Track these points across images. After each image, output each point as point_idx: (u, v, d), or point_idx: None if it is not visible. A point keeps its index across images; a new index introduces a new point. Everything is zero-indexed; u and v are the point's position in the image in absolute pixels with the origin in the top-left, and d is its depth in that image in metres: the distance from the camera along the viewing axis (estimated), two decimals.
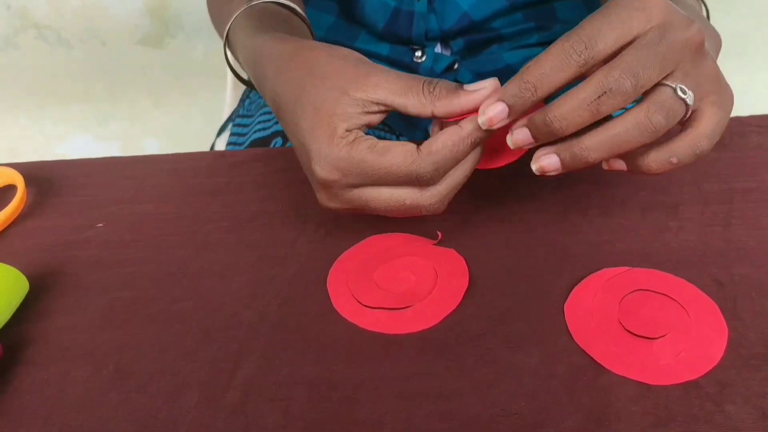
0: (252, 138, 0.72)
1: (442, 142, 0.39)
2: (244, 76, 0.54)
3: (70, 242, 0.50)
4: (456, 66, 0.71)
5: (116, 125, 1.51)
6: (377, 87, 0.40)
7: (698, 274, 0.42)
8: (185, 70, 1.38)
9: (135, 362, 0.41)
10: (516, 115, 0.38)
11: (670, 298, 0.41)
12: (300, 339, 0.41)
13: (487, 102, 0.38)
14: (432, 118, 0.41)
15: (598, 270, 0.43)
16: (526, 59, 0.74)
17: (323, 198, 0.42)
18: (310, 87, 0.41)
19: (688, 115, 0.37)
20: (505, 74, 0.71)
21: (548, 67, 0.36)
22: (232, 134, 0.78)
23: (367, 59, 0.43)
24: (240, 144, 0.74)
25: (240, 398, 0.38)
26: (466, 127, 0.39)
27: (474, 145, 0.40)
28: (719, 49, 0.46)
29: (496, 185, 0.49)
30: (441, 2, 0.68)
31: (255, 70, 0.48)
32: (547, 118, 0.36)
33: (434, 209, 0.41)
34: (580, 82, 0.36)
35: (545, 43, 0.72)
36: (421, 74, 0.70)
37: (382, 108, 0.40)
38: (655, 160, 0.38)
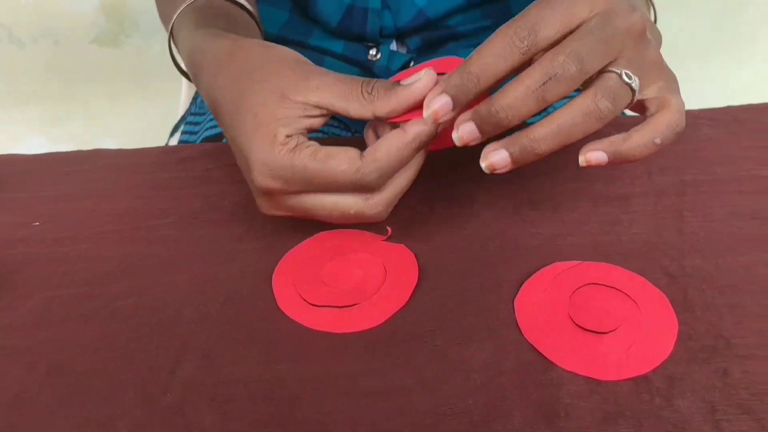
0: (203, 135, 0.71)
1: (386, 148, 0.38)
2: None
3: (6, 240, 0.48)
4: (412, 64, 0.70)
5: (72, 126, 1.48)
6: (317, 90, 0.39)
7: (649, 266, 0.42)
8: (142, 70, 1.35)
9: (70, 362, 0.39)
10: (461, 106, 0.37)
11: (621, 291, 0.40)
12: (243, 338, 0.39)
13: (430, 95, 0.37)
14: (376, 119, 0.40)
15: (550, 264, 0.42)
16: None
17: (264, 205, 0.41)
18: (248, 91, 0.39)
19: (632, 102, 0.37)
20: None
21: (490, 55, 0.35)
22: (183, 132, 0.76)
23: (305, 59, 0.41)
24: (191, 142, 0.73)
25: (179, 399, 0.36)
26: (410, 130, 0.38)
27: (418, 149, 0.39)
28: (660, 45, 0.46)
29: (448, 179, 0.48)
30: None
31: (192, 68, 0.46)
32: (492, 108, 0.35)
33: (379, 216, 0.40)
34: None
35: None
36: (376, 72, 0.70)
37: (324, 111, 0.39)
38: (638, 144, 0.37)
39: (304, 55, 0.72)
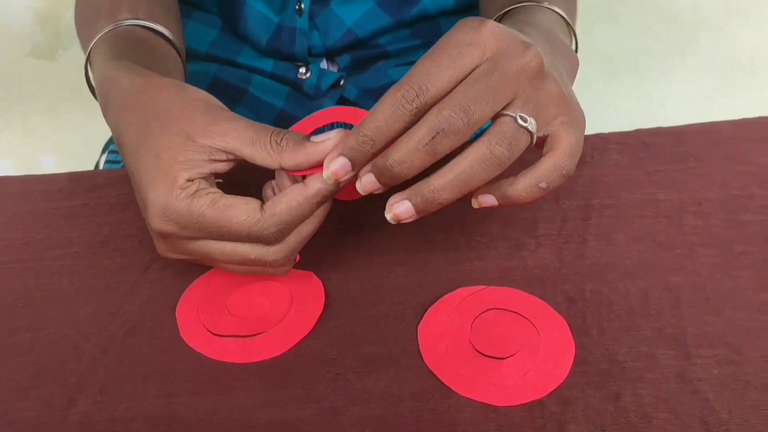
0: None
1: (287, 203, 0.37)
2: None
3: None
4: (342, 82, 0.70)
5: (9, 140, 1.44)
6: (225, 135, 0.38)
7: (552, 291, 0.43)
8: (80, 84, 1.32)
9: None
10: (359, 167, 0.37)
11: (522, 316, 0.41)
12: (143, 372, 0.39)
13: (329, 156, 0.37)
14: (280, 170, 0.39)
15: (456, 289, 0.43)
16: None
17: (162, 248, 0.40)
18: (155, 130, 0.39)
19: (533, 142, 0.37)
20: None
21: (382, 119, 0.35)
22: (110, 152, 0.75)
23: (218, 103, 0.41)
24: (118, 161, 0.72)
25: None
26: (312, 185, 0.38)
27: (320, 204, 0.39)
28: (575, 72, 0.47)
29: (359, 204, 0.49)
30: (324, 19, 0.67)
31: (101, 98, 0.46)
32: (388, 163, 0.35)
33: (279, 264, 0.39)
34: None
35: None
36: (306, 90, 0.70)
37: (231, 157, 0.39)
38: (524, 188, 0.37)
39: (234, 74, 0.72)
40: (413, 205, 0.36)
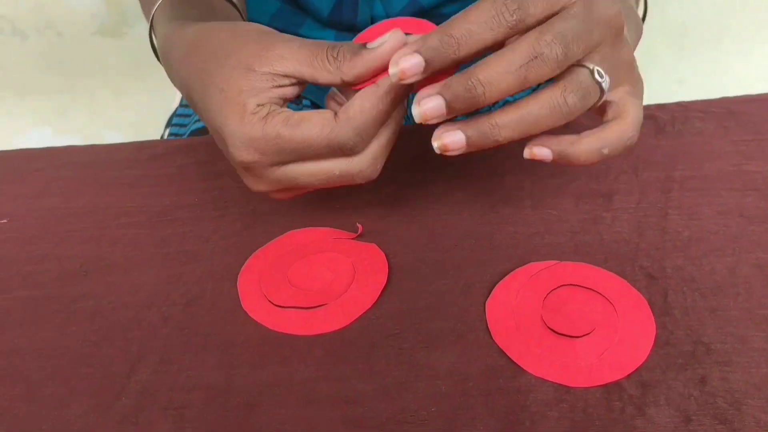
0: (192, 128, 0.70)
1: (360, 105, 0.35)
2: None
3: None
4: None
5: (76, 118, 1.47)
6: (282, 59, 0.37)
7: (630, 267, 0.40)
8: (145, 60, 1.34)
9: (25, 367, 0.38)
10: (431, 71, 0.33)
11: (598, 293, 0.39)
12: (203, 342, 0.38)
13: (401, 52, 0.34)
14: (344, 85, 0.37)
15: (525, 264, 0.41)
16: None
17: (250, 181, 0.39)
18: (214, 68, 0.38)
19: (600, 102, 0.35)
20: None
21: (476, 23, 0.32)
22: (173, 125, 0.75)
23: (271, 30, 0.40)
24: (181, 135, 0.72)
25: (132, 406, 0.35)
26: (383, 84, 0.35)
27: (395, 103, 0.36)
28: (638, 41, 0.44)
29: (422, 174, 0.47)
30: None
31: (164, 61, 0.45)
32: (470, 83, 0.32)
33: (367, 175, 0.38)
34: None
35: None
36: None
37: (294, 80, 0.37)
38: (586, 150, 0.35)
39: None
40: (467, 137, 0.34)
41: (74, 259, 0.44)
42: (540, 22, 0.33)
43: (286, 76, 0.37)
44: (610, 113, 0.36)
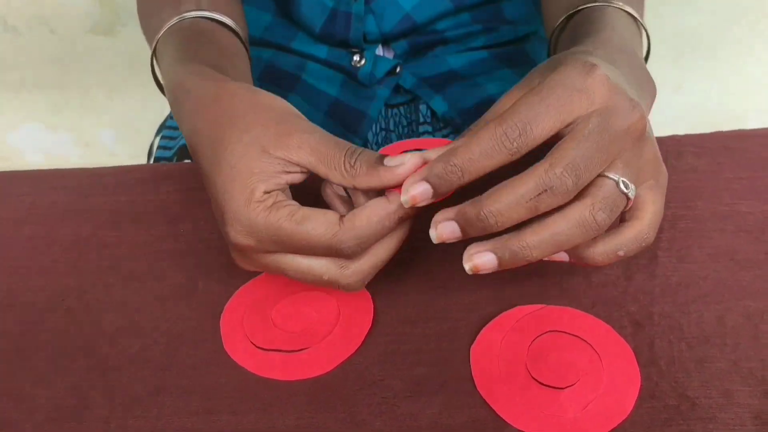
0: (180, 143, 0.69)
1: (367, 217, 0.35)
2: None
3: None
4: (398, 69, 0.67)
5: (70, 114, 1.46)
6: (299, 149, 0.36)
7: (617, 313, 0.40)
8: (138, 59, 1.33)
9: (3, 411, 0.37)
10: (440, 197, 0.35)
11: (584, 340, 0.38)
12: (183, 384, 0.38)
13: (410, 180, 0.35)
14: (354, 190, 0.38)
15: (512, 307, 0.40)
16: (471, 63, 0.71)
17: (238, 259, 0.39)
18: (228, 140, 0.37)
19: (627, 209, 0.35)
20: (448, 78, 0.68)
21: (477, 152, 0.33)
22: (163, 137, 0.75)
23: (291, 110, 0.39)
24: (170, 148, 0.71)
25: None
26: (394, 201, 0.36)
27: (401, 221, 0.37)
28: (653, 100, 0.43)
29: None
30: (381, 3, 0.64)
31: (173, 104, 0.44)
32: (482, 213, 0.33)
33: (353, 288, 0.38)
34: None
35: (490, 47, 0.69)
36: (360, 78, 0.67)
37: (304, 170, 0.37)
38: (602, 253, 0.35)
39: (287, 60, 0.70)
40: (498, 258, 0.34)
41: (56, 292, 0.43)
42: (549, 140, 0.33)
43: (298, 165, 0.37)
44: (629, 213, 0.36)
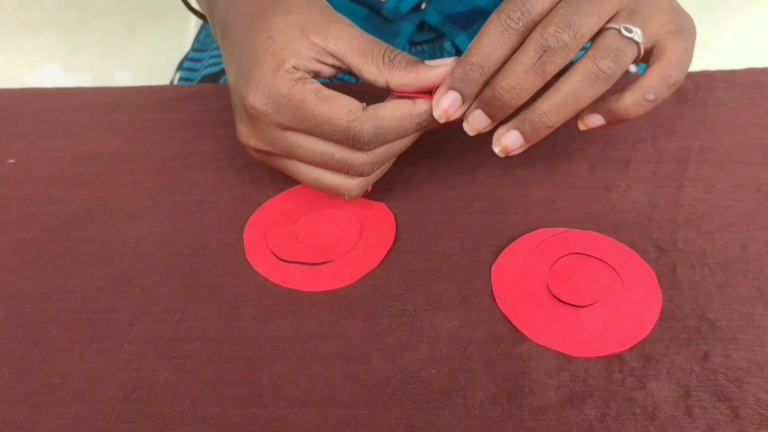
0: (203, 73, 0.69)
1: (392, 110, 0.36)
2: (197, 7, 0.50)
3: None
4: (423, 6, 0.66)
5: (87, 56, 1.46)
6: (338, 39, 0.36)
7: (640, 238, 0.39)
8: (158, 1, 1.32)
9: (29, 310, 0.38)
10: (470, 99, 0.36)
11: (606, 263, 0.38)
12: (207, 293, 0.38)
13: (438, 94, 0.36)
14: (383, 88, 0.37)
15: (534, 230, 0.40)
16: (498, 1, 0.70)
17: (245, 132, 0.38)
18: (269, 15, 0.37)
19: (641, 54, 0.35)
20: (474, 16, 0.67)
21: (488, 43, 0.34)
22: (184, 69, 0.74)
23: (332, 9, 0.39)
24: (192, 80, 0.71)
25: (135, 352, 0.35)
26: (420, 105, 0.36)
27: (420, 128, 0.37)
28: None
29: (436, 136, 0.46)
30: None
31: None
32: (496, 92, 0.34)
33: (362, 170, 0.37)
34: None
35: None
36: (385, 14, 0.66)
37: (337, 62, 0.37)
38: (631, 102, 0.36)
39: None
40: (521, 133, 0.36)
41: (80, 203, 0.44)
42: (550, 11, 0.34)
43: (333, 55, 0.37)
44: (652, 57, 0.36)
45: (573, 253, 0.39)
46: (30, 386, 0.34)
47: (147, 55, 1.42)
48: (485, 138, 0.46)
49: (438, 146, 0.46)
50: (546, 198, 0.42)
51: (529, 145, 0.36)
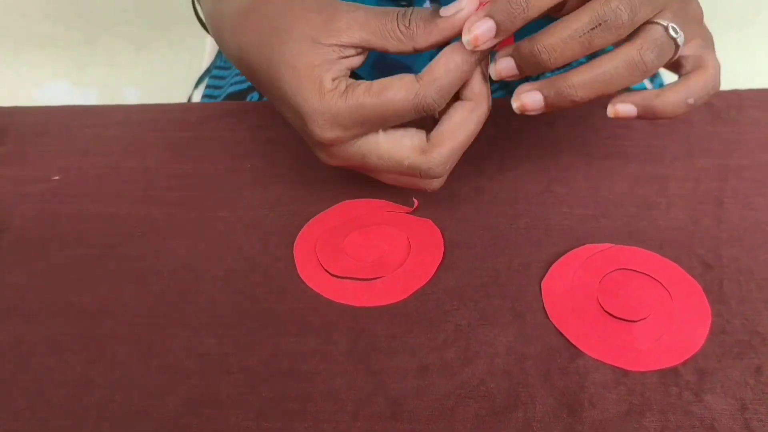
0: (228, 91, 0.69)
1: (444, 65, 0.35)
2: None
3: (25, 194, 0.47)
4: None
5: (95, 72, 1.46)
6: (348, 30, 0.36)
7: (685, 254, 0.40)
8: (167, 17, 1.33)
9: (84, 325, 0.38)
10: (504, 34, 0.34)
11: (654, 278, 0.39)
12: (262, 308, 0.38)
13: (472, 19, 0.34)
14: (415, 53, 0.37)
15: (581, 246, 0.41)
16: None
17: (324, 158, 0.39)
18: (277, 44, 0.37)
19: (675, 57, 0.35)
20: None
21: None
22: (208, 86, 0.75)
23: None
24: (215, 97, 0.71)
25: (194, 369, 0.36)
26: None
27: (478, 61, 0.36)
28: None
29: (479, 152, 0.47)
30: None
31: (215, 34, 0.44)
32: (536, 49, 0.33)
33: (435, 172, 0.37)
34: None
35: None
36: None
37: (359, 50, 0.37)
38: (673, 102, 0.36)
39: None
40: (544, 97, 0.35)
41: (128, 219, 0.44)
42: None
43: (352, 46, 0.36)
44: (689, 66, 0.37)
45: (621, 269, 0.39)
46: (91, 402, 0.34)
47: (155, 72, 1.43)
48: (524, 156, 0.47)
49: (478, 165, 0.47)
50: (589, 215, 0.43)
51: (546, 111, 0.35)
